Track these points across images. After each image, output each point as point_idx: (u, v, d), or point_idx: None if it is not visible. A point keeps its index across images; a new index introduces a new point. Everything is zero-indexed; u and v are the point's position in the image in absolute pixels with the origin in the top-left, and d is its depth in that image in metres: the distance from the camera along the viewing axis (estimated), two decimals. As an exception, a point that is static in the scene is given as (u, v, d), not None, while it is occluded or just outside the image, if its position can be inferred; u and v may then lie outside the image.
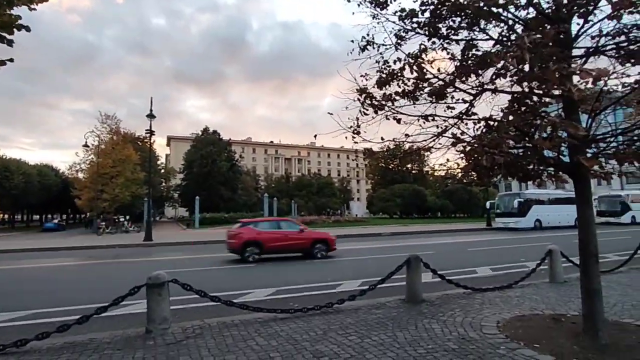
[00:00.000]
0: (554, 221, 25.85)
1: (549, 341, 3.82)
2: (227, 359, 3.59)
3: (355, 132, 5.21)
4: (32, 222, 61.17)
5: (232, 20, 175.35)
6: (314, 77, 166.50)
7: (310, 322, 4.71)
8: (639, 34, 4.04)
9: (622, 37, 4.13)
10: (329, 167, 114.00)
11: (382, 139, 5.09)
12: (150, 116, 22.25)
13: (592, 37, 4.20)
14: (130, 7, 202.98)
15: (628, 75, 4.05)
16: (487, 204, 30.28)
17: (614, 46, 4.16)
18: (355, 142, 5.34)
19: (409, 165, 59.81)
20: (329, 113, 5.17)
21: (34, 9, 3.48)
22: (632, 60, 3.97)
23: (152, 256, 14.42)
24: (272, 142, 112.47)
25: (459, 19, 5.03)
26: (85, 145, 33.20)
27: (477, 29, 5.10)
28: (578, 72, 3.64)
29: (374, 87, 5.27)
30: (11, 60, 3.17)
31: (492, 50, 4.87)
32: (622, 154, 3.87)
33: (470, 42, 5.17)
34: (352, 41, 5.39)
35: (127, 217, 36.37)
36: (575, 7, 4.27)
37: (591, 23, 4.27)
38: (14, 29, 3.11)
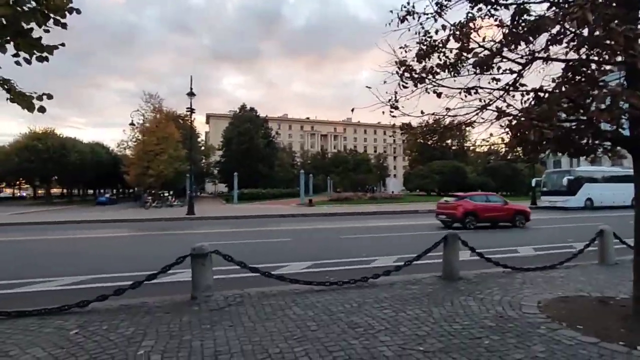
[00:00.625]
0: (608, 200, 24.17)
1: (594, 323, 3.65)
2: (267, 325, 3.76)
3: (393, 106, 5.06)
4: (87, 197, 66.07)
5: None
6: (351, 51, 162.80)
7: (345, 294, 4.81)
8: None
9: None
10: (365, 144, 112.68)
11: (422, 112, 4.92)
12: (191, 94, 22.86)
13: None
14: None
15: None
16: (533, 182, 28.69)
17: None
18: (394, 117, 5.18)
19: (448, 141, 57.76)
20: (367, 87, 5.03)
21: (81, -10, 3.63)
22: None
23: (194, 229, 15.19)
24: (308, 118, 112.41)
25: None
26: (131, 124, 34.91)
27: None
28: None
29: (413, 59, 5.05)
30: (63, 44, 3.34)
31: (547, 14, 4.49)
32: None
33: (522, 6, 4.80)
34: (391, 11, 5.16)
35: (171, 192, 38.27)
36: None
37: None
38: (66, 12, 3.24)
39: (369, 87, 4.95)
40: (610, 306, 4.18)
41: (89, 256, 9.04)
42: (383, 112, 5.14)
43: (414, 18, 5.14)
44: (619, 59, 3.87)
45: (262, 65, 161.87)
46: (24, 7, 3.12)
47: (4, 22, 3.01)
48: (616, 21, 3.54)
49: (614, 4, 3.74)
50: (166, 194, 36.52)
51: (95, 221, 18.86)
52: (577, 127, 4.25)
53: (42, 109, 3.31)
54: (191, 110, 24.21)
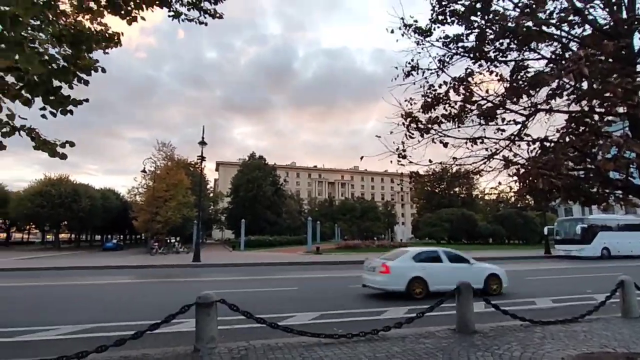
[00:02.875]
0: (625, 249, 23.42)
1: (625, 385, 3.41)
2: (272, 382, 3.57)
3: (401, 155, 5.17)
4: (94, 242, 66.02)
5: (278, 50, 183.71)
6: (358, 102, 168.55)
7: (355, 348, 4.59)
8: None
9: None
10: (373, 191, 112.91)
11: (430, 161, 5.01)
12: (202, 143, 23.58)
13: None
14: (188, 42, 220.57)
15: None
16: (545, 230, 28.12)
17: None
18: (401, 165, 5.29)
19: (456, 189, 57.67)
20: (376, 136, 5.20)
21: (107, 53, 3.94)
22: None
23: (200, 276, 14.91)
24: (315, 166, 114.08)
25: (507, 40, 4.93)
26: (143, 171, 35.79)
27: (528, 49, 4.96)
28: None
29: (419, 111, 5.25)
30: (87, 100, 3.57)
31: (545, 70, 4.70)
32: None
33: (520, 63, 5.04)
34: (396, 67, 5.45)
35: (178, 239, 38.16)
36: (636, 22, 4.05)
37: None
38: (92, 71, 3.51)
39: (379, 137, 5.10)
40: (639, 365, 3.92)
41: (92, 304, 8.86)
42: (391, 161, 5.26)
43: (418, 73, 5.43)
44: (620, 110, 3.99)
45: (271, 115, 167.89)
46: (54, 65, 3.39)
47: (36, 79, 3.24)
48: (614, 75, 3.70)
49: (610, 60, 3.93)
50: (173, 240, 36.40)
51: (101, 267, 18.68)
52: (586, 175, 4.27)
53: (63, 156, 3.46)
54: (202, 158, 24.83)
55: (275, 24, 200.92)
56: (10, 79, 3.20)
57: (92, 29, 3.73)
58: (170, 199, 35.66)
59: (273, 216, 51.21)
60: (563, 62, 4.33)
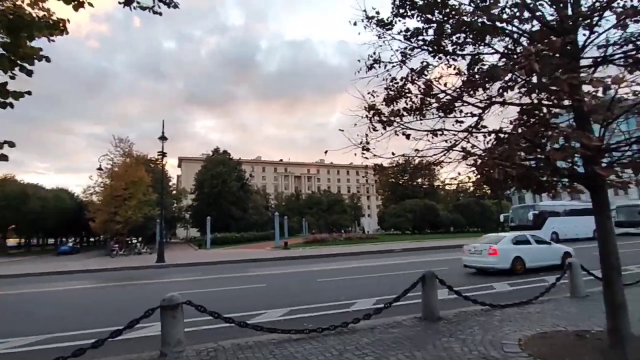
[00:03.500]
0: (572, 233, 25.23)
1: (574, 358, 3.68)
2: (242, 382, 3.53)
3: (364, 148, 5.24)
4: (47, 246, 62.00)
5: (240, 41, 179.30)
6: (323, 95, 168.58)
7: (325, 342, 4.63)
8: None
9: (630, 46, 4.11)
10: (339, 184, 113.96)
11: (392, 154, 5.11)
12: (162, 138, 22.68)
13: (599, 47, 4.20)
14: (144, 31, 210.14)
15: (638, 84, 4.03)
16: (501, 217, 29.76)
17: (622, 55, 4.14)
18: (366, 158, 5.35)
19: (419, 180, 59.48)
20: (340, 130, 5.23)
21: (53, 41, 3.65)
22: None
23: (164, 278, 14.43)
24: (281, 160, 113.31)
25: (463, 35, 5.09)
26: (99, 169, 33.89)
27: (483, 44, 5.15)
28: (588, 81, 3.64)
29: (382, 103, 5.33)
30: (29, 92, 3.30)
31: (499, 64, 4.90)
32: (638, 162, 3.80)
33: (476, 57, 5.22)
34: (359, 60, 5.49)
35: (140, 239, 36.68)
36: (580, 19, 4.29)
37: (597, 33, 4.27)
38: (35, 60, 3.24)
39: (342, 130, 5.13)
40: (587, 340, 4.24)
41: (46, 313, 8.31)
42: (355, 154, 5.31)
43: (380, 66, 5.50)
44: (567, 102, 4.24)
45: (235, 108, 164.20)
46: None
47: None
48: (560, 70, 3.93)
49: (557, 55, 4.16)
50: (134, 241, 34.92)
51: (56, 273, 17.57)
52: (537, 165, 4.52)
53: (4, 157, 3.19)
54: (162, 154, 23.89)
55: (237, 14, 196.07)
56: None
57: (34, 15, 3.44)
58: (130, 197, 34.06)
59: (239, 212, 50.45)
60: (515, 56, 4.54)
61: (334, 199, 71.75)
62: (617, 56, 4.17)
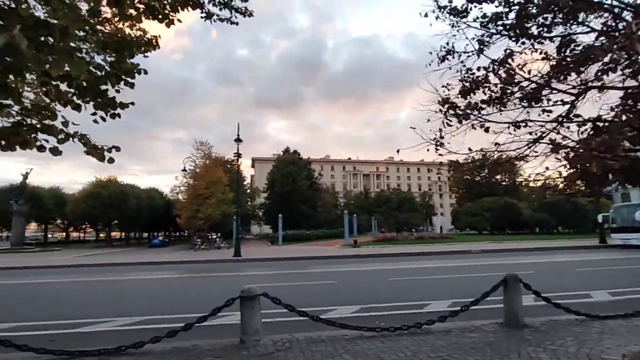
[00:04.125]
0: (692, 237, 21.43)
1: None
2: (316, 374, 3.61)
3: (439, 144, 5.02)
4: (142, 239, 69.95)
5: (307, 42, 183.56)
6: (391, 91, 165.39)
7: (397, 342, 4.53)
8: None
9: None
10: (409, 182, 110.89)
11: (469, 149, 4.81)
12: (238, 140, 24.17)
13: None
14: (220, 41, 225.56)
15: None
16: (600, 217, 26.30)
17: None
18: (440, 155, 5.13)
19: (498, 177, 55.25)
20: (411, 127, 5.07)
21: (147, 56, 4.11)
22: None
23: (241, 271, 15.37)
24: (349, 158, 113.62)
25: (551, 15, 4.61)
26: (184, 170, 37.30)
27: (575, 23, 4.62)
28: None
29: (457, 96, 5.05)
30: (132, 103, 3.74)
31: (596, 44, 4.36)
32: None
33: (568, 38, 4.70)
34: (431, 52, 5.25)
35: (219, 234, 39.52)
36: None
37: None
38: (135, 73, 3.67)
39: (414, 128, 4.96)
40: None
41: (144, 297, 9.39)
42: (428, 150, 5.10)
43: (454, 57, 5.21)
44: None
45: (303, 109, 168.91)
46: (100, 72, 3.59)
47: (84, 84, 3.45)
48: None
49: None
50: (214, 236, 37.74)
51: (149, 263, 19.75)
52: (650, 155, 3.93)
53: (111, 160, 3.65)
54: (238, 155, 25.46)
55: (304, 17, 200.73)
56: (63, 87, 3.41)
57: (132, 35, 3.90)
58: (210, 196, 36.89)
59: (309, 210, 51.72)
60: (615, 34, 3.99)
61: (404, 197, 69.92)
62: None
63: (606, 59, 4.07)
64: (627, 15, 4.20)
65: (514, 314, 5.12)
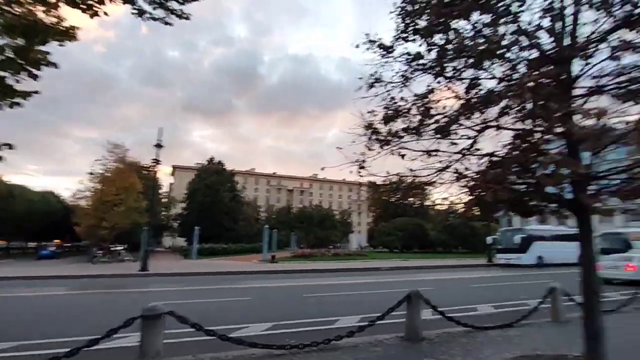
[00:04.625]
0: (557, 258, 25.34)
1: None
2: (220, 398, 3.42)
3: (361, 166, 5.28)
4: (27, 250, 60.35)
5: (244, 53, 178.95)
6: (322, 110, 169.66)
7: (306, 359, 4.53)
8: (637, 75, 4.13)
9: (623, 77, 4.22)
10: (331, 200, 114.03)
11: (387, 173, 5.13)
12: (158, 146, 22.57)
13: (593, 77, 4.30)
14: (150, 39, 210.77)
15: (629, 114, 4.13)
16: (488, 240, 29.88)
17: (614, 86, 4.24)
18: (361, 176, 5.38)
19: (411, 199, 59.69)
20: (337, 147, 5.25)
21: (63, 46, 3.65)
22: (633, 100, 4.07)
23: (146, 287, 14.11)
24: (274, 173, 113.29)
25: (464, 59, 5.19)
26: (91, 173, 33.49)
27: (481, 69, 5.26)
28: (579, 111, 3.72)
29: (380, 122, 5.37)
30: (37, 92, 3.28)
31: (496, 89, 5.00)
32: (624, 191, 3.86)
33: (474, 81, 5.32)
34: (360, 78, 5.56)
35: (125, 246, 35.97)
36: (576, 50, 4.41)
37: (592, 64, 4.36)
38: (42, 65, 3.25)
39: (340, 148, 5.15)
40: (567, 366, 4.21)
41: (19, 319, 8.01)
42: (351, 172, 5.33)
43: (381, 85, 5.56)
44: (558, 130, 4.32)
45: (233, 119, 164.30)
46: (1, 56, 3.10)
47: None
48: (553, 99, 4.02)
49: (552, 84, 4.26)
50: (118, 248, 34.21)
51: (33, 277, 17.09)
52: (527, 190, 4.57)
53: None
54: (157, 161, 23.70)
55: (242, 27, 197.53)
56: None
57: (47, 21, 3.46)
58: (120, 203, 33.54)
59: (230, 223, 50.01)
60: (510, 83, 4.63)
61: (325, 214, 71.51)
62: (610, 86, 4.27)
63: (502, 103, 4.67)
64: (522, 67, 4.88)
65: (414, 328, 5.49)
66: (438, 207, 56.58)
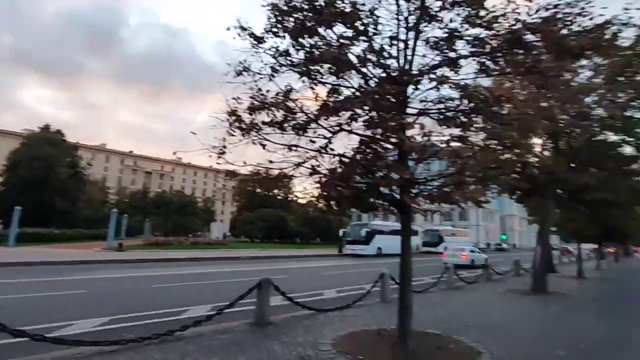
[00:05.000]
0: (393, 249, 29.70)
1: (372, 351, 4.41)
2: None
3: (220, 152, 5.23)
4: None
5: (105, 7, 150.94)
6: (193, 91, 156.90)
7: (143, 352, 4.28)
8: (451, 104, 5.20)
9: (442, 105, 5.25)
10: (195, 186, 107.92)
11: (244, 162, 5.20)
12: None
13: (421, 101, 5.24)
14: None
15: (445, 136, 5.18)
16: (340, 232, 33.35)
17: (436, 110, 5.25)
18: (218, 164, 5.34)
19: (276, 191, 61.28)
20: (192, 132, 5.08)
21: None
22: (447, 125, 5.13)
23: None
24: (131, 152, 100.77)
25: (327, 65, 5.61)
26: None
27: (341, 77, 5.77)
28: (407, 125, 4.51)
29: (245, 111, 5.39)
30: None
31: (351, 97, 5.58)
32: (435, 195, 4.86)
33: (335, 87, 5.82)
34: (229, 64, 5.47)
35: None
36: (411, 77, 5.27)
37: (420, 90, 5.28)
38: None
39: (195, 133, 4.99)
40: (384, 336, 5.10)
41: None
42: (210, 156, 5.24)
43: (249, 74, 5.58)
44: (393, 140, 5.11)
45: (83, 83, 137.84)
46: None
47: None
48: (393, 113, 4.76)
49: (394, 100, 5.01)
50: None
51: None
52: (367, 189, 5.28)
53: None
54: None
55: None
56: None
57: None
58: None
59: (66, 205, 42.36)
60: (359, 94, 5.24)
61: (187, 201, 67.22)
62: (433, 111, 5.26)
63: (352, 111, 5.24)
64: (373, 82, 5.52)
65: (262, 314, 5.77)
66: (300, 200, 59.75)
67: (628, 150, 10.95)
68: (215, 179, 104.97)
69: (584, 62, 9.65)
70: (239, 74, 5.53)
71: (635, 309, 9.40)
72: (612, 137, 10.60)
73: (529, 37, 4.56)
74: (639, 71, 9.23)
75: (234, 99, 5.42)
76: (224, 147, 5.33)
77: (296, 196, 58.80)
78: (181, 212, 61.81)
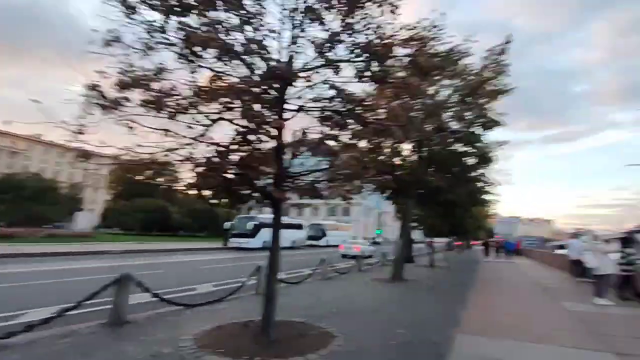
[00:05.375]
0: (277, 242, 30.58)
1: (233, 344, 4.39)
2: None
3: (79, 131, 4.62)
4: None
5: None
6: (65, 58, 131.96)
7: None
8: (328, 104, 5.49)
9: (319, 104, 5.51)
10: (59, 169, 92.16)
11: (101, 143, 4.64)
12: None
13: (298, 98, 5.40)
14: None
15: (319, 133, 5.44)
16: (226, 225, 32.48)
17: (314, 108, 5.48)
18: (69, 142, 4.69)
19: (161, 179, 56.30)
20: (33, 100, 4.35)
21: None
22: (323, 123, 5.40)
23: None
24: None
25: (212, 50, 5.34)
26: None
27: (225, 63, 5.57)
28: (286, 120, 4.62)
29: (114, 87, 4.79)
30: None
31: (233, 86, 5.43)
32: (303, 189, 5.08)
33: (219, 74, 5.59)
34: (96, 30, 4.78)
35: None
36: (292, 74, 5.38)
37: (301, 87, 5.44)
38: None
39: (37, 101, 4.27)
40: (249, 328, 5.12)
41: None
42: (63, 135, 4.59)
43: (120, 47, 4.96)
44: (273, 133, 5.14)
45: None
46: None
47: None
48: (271, 106, 4.84)
49: (276, 95, 5.07)
50: None
51: None
52: (240, 180, 5.22)
53: None
54: None
55: None
56: None
57: None
58: None
59: None
60: (243, 84, 5.13)
61: (46, 186, 57.02)
62: (312, 108, 5.47)
63: (237, 101, 5.08)
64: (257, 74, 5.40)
65: (118, 312, 5.24)
66: (186, 190, 56.24)
67: (471, 161, 13.22)
68: (88, 162, 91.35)
69: (446, 82, 11.31)
70: (108, 44, 4.91)
71: (461, 292, 11.14)
72: (460, 148, 12.64)
73: (399, 51, 5.08)
74: (483, 95, 11.17)
75: (97, 72, 4.82)
76: (82, 125, 4.71)
77: (183, 186, 55.03)
78: (38, 200, 52.21)
